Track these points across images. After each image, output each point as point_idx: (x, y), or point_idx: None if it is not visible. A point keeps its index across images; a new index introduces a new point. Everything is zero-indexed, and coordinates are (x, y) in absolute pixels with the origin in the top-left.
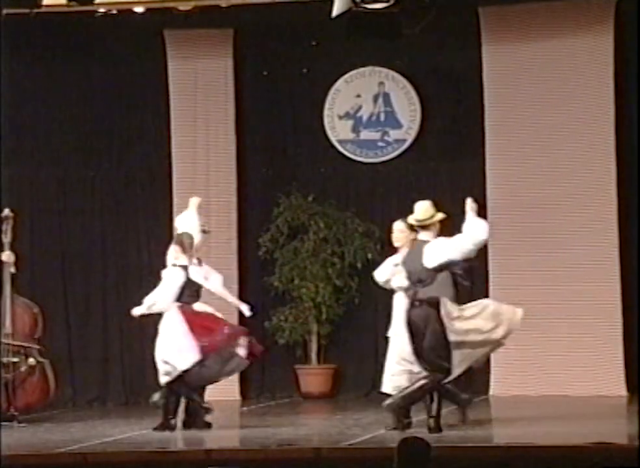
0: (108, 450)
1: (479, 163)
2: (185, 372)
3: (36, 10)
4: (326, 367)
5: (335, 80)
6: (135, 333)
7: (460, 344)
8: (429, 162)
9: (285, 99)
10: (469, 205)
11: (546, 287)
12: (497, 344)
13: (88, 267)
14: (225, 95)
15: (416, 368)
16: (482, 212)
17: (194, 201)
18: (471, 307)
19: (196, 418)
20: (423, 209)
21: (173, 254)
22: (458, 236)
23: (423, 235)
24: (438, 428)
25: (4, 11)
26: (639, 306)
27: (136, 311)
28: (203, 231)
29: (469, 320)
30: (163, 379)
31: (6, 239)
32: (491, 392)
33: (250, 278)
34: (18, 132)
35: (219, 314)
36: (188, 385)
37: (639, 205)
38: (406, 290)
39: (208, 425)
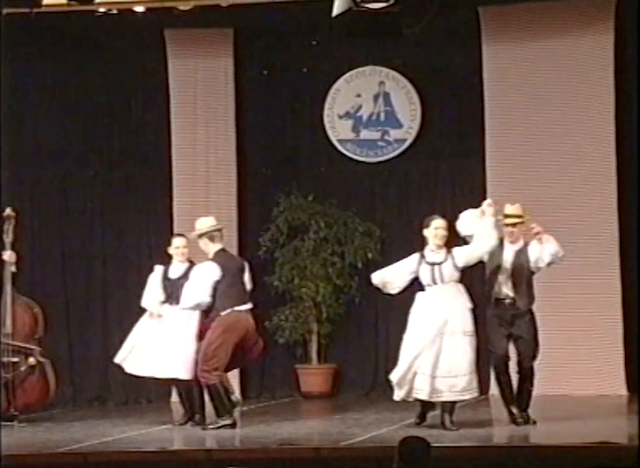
0: (108, 449)
1: (479, 162)
2: None
3: (36, 10)
4: (326, 367)
5: (336, 80)
6: None
7: None
8: (429, 161)
9: (286, 98)
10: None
11: (546, 285)
12: None
13: (88, 267)
14: (225, 95)
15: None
16: None
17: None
18: None
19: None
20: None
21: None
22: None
23: None
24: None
25: (5, 11)
26: (638, 306)
27: None
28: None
29: None
30: None
31: (8, 238)
32: (491, 391)
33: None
34: (18, 132)
35: None
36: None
37: (639, 201)
38: None
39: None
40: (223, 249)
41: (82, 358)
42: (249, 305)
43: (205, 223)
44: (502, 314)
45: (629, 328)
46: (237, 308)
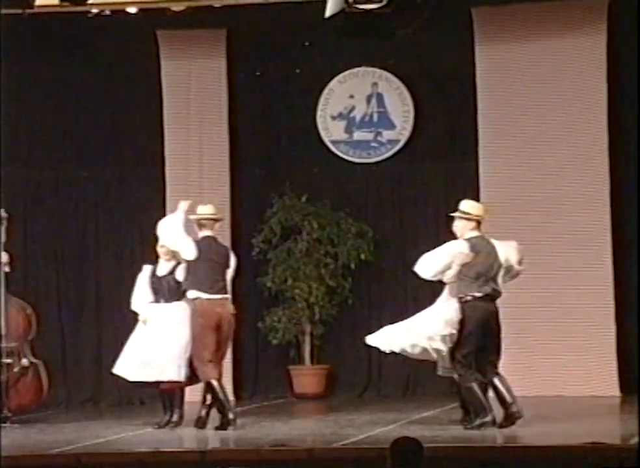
0: (102, 450)
1: (472, 164)
2: None
3: (28, 10)
4: (319, 368)
5: (329, 81)
6: (128, 333)
7: None
8: (422, 162)
9: (279, 99)
10: None
11: (539, 289)
12: None
13: (81, 268)
14: (218, 96)
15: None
16: None
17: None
18: None
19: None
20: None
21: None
22: None
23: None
24: None
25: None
26: (638, 306)
27: None
28: None
29: None
30: None
31: (1, 240)
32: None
33: (244, 279)
34: (12, 132)
35: None
36: None
37: (638, 203)
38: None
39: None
40: (210, 237)
41: (76, 359)
42: (224, 295)
43: (200, 210)
44: None
45: (622, 330)
46: (205, 295)
